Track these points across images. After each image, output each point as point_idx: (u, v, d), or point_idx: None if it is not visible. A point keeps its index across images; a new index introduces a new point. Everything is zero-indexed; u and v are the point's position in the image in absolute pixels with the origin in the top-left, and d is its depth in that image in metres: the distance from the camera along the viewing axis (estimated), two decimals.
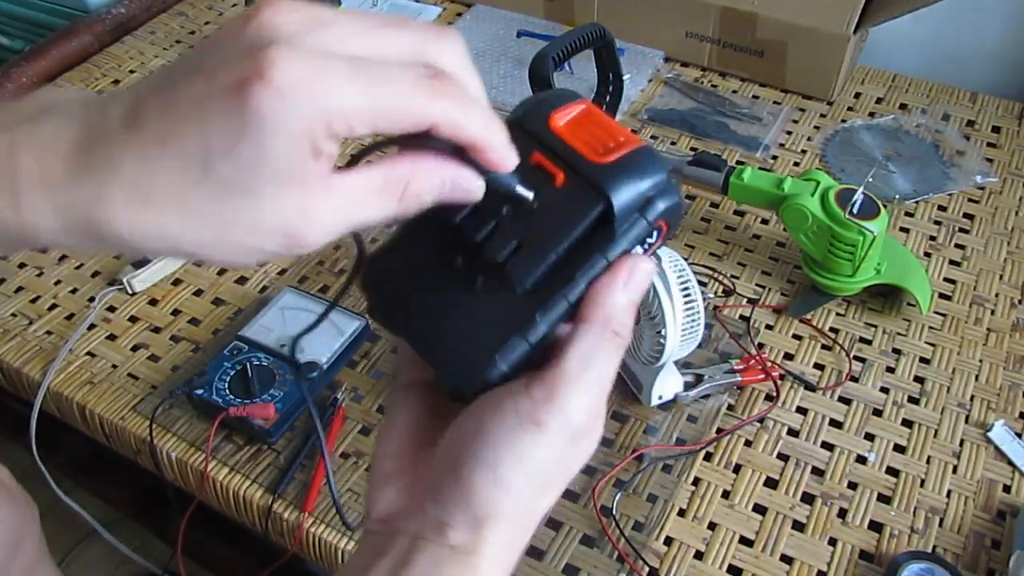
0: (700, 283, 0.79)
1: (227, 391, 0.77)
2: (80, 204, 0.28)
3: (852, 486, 0.73)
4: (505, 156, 0.31)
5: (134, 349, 0.86)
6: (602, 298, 0.33)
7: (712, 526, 0.71)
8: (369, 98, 0.28)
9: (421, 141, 0.30)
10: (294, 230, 0.29)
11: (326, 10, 0.29)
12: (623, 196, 0.32)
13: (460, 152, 0.31)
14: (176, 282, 0.92)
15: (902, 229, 0.96)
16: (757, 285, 0.89)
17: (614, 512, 0.71)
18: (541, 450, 0.32)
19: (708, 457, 0.75)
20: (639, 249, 0.33)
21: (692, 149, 1.06)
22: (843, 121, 1.10)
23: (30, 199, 0.28)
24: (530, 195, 0.32)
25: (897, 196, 0.98)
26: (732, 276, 0.90)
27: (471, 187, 0.32)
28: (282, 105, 0.27)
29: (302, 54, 0.27)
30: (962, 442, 0.76)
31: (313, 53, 0.28)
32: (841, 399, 0.79)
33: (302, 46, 0.28)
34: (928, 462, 0.75)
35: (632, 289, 0.33)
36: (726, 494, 0.73)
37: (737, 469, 0.74)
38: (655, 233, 0.34)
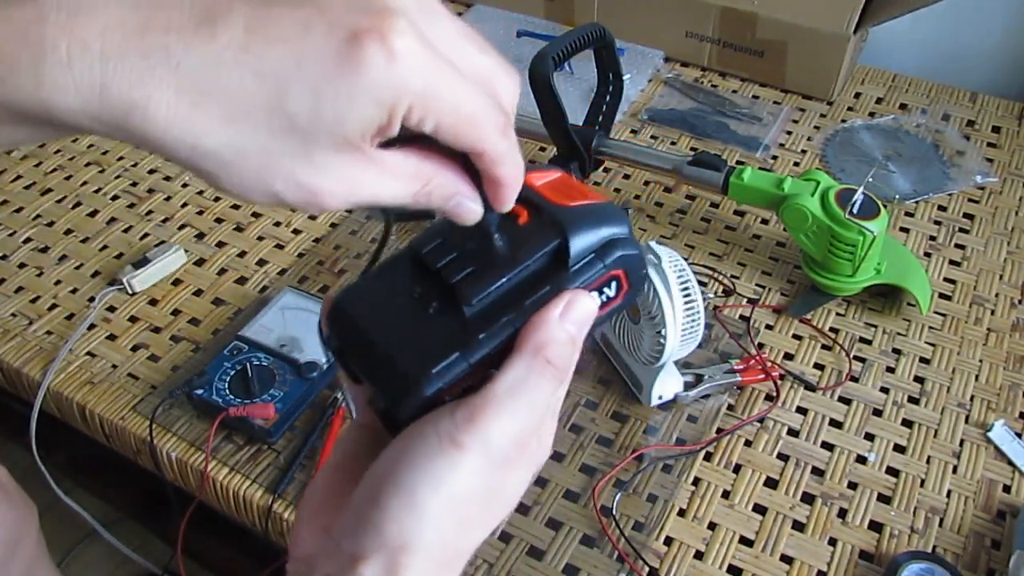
0: (700, 283, 0.79)
1: (227, 391, 0.77)
2: (117, 87, 0.27)
3: (852, 486, 0.73)
4: (511, 200, 0.33)
5: (134, 349, 0.86)
6: (535, 325, 0.32)
7: (712, 526, 0.71)
8: (456, 103, 0.29)
9: (452, 152, 0.31)
10: (325, 191, 0.29)
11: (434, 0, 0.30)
12: (580, 234, 0.33)
13: (476, 177, 0.32)
14: (176, 282, 0.92)
15: (902, 229, 0.96)
16: (757, 285, 0.89)
17: (614, 512, 0.71)
18: (460, 474, 0.31)
19: (708, 457, 0.75)
20: (595, 295, 0.33)
21: (692, 149, 1.06)
22: (843, 121, 1.10)
23: (53, 74, 0.26)
24: (492, 225, 0.33)
25: (897, 196, 0.98)
26: (732, 276, 0.90)
27: (472, 212, 0.32)
28: (390, 70, 0.27)
29: (419, 32, 0.28)
30: (962, 442, 0.76)
31: (425, 36, 0.28)
32: (841, 399, 0.79)
33: (418, 24, 0.28)
34: (928, 462, 0.75)
35: (570, 321, 0.32)
36: (726, 494, 0.73)
37: (737, 469, 0.74)
38: (613, 284, 0.34)
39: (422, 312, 0.33)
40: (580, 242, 0.33)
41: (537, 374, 0.32)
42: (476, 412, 0.31)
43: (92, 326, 0.88)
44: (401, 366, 0.32)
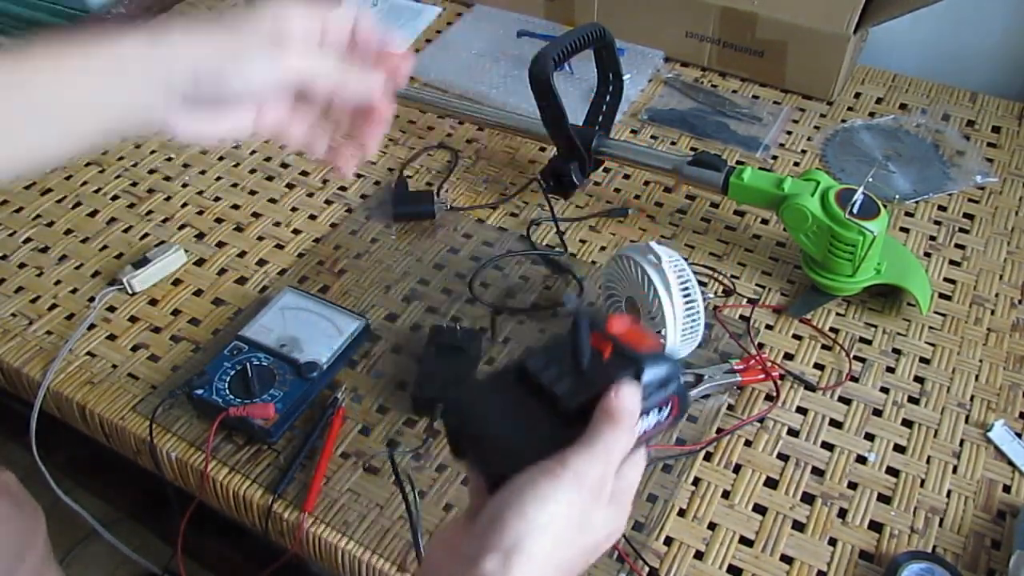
0: (700, 283, 0.79)
1: (227, 391, 0.77)
2: None
3: (852, 486, 0.73)
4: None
5: (134, 349, 0.86)
6: (605, 400, 0.43)
7: (712, 526, 0.71)
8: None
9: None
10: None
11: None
12: (650, 369, 0.45)
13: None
14: (176, 282, 0.92)
15: (902, 229, 0.96)
16: (757, 285, 0.89)
17: None
18: (560, 495, 0.40)
19: (708, 457, 0.75)
20: (655, 412, 0.46)
21: (692, 149, 1.06)
22: (843, 121, 1.10)
23: None
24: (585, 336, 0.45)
25: (897, 196, 0.98)
26: (732, 276, 0.90)
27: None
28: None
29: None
30: (962, 442, 0.76)
31: None
32: (841, 399, 0.79)
33: None
34: (928, 462, 0.75)
35: (624, 396, 0.43)
36: (726, 494, 0.73)
37: (737, 469, 0.74)
38: (668, 406, 0.46)
39: (532, 413, 0.44)
40: (649, 375, 0.44)
41: (609, 428, 0.42)
42: (568, 455, 0.41)
43: (92, 326, 0.88)
44: (519, 451, 0.43)
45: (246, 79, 0.47)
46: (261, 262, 0.94)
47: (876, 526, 0.71)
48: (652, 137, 1.08)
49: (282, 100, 0.52)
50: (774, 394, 0.79)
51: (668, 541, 0.70)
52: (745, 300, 0.88)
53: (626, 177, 1.03)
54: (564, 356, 0.45)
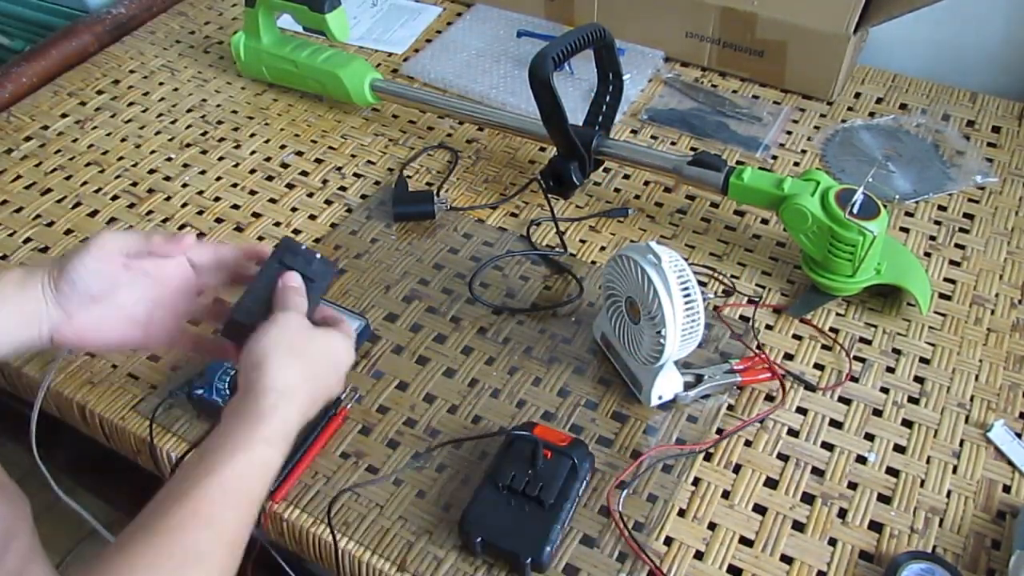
0: (700, 283, 0.79)
1: (227, 391, 0.77)
2: None
3: (852, 486, 0.73)
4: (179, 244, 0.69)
5: (134, 349, 0.86)
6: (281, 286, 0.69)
7: (712, 526, 0.71)
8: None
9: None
10: None
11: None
12: (579, 457, 0.71)
13: None
14: None
15: (902, 229, 0.96)
16: (757, 285, 0.89)
17: (620, 510, 0.71)
18: (274, 328, 0.62)
19: (708, 457, 0.75)
20: (586, 480, 0.72)
21: (692, 149, 1.06)
22: (843, 121, 1.10)
23: None
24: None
25: (897, 196, 0.98)
26: (732, 276, 0.90)
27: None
28: None
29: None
30: (962, 442, 0.76)
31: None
32: (841, 399, 0.79)
33: None
34: (928, 462, 0.75)
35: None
36: (726, 494, 0.73)
37: (737, 469, 0.74)
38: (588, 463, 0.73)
39: (522, 509, 0.68)
40: (580, 462, 0.71)
41: (289, 294, 0.67)
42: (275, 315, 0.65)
43: None
44: (530, 540, 0.67)
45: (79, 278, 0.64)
46: (261, 262, 0.94)
47: (876, 526, 0.71)
48: (652, 137, 1.08)
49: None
50: (774, 394, 0.79)
51: (668, 541, 0.70)
52: (745, 300, 0.88)
53: (626, 177, 1.03)
54: (526, 463, 0.70)
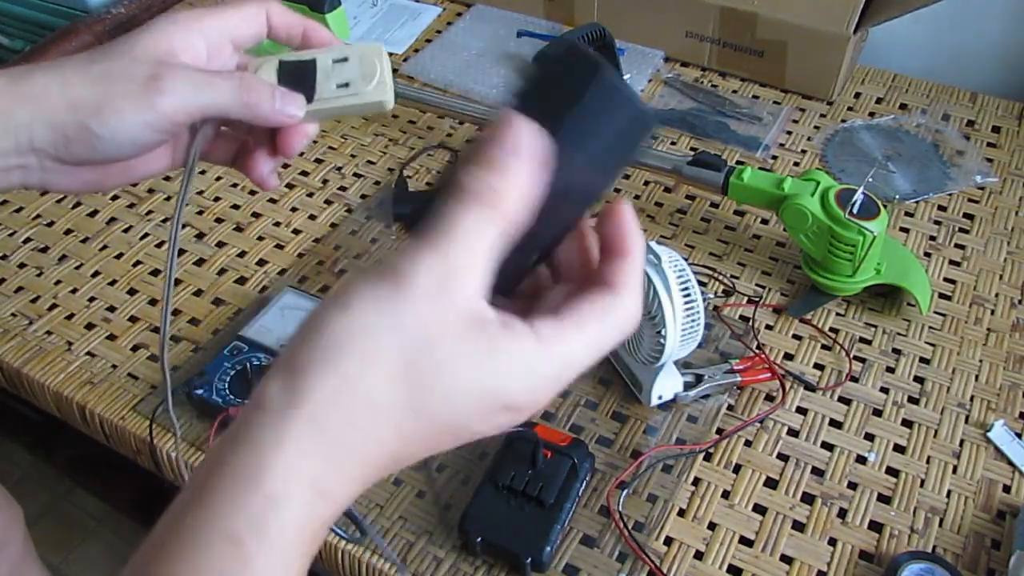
0: (700, 283, 0.79)
1: (227, 391, 0.77)
2: None
3: (852, 486, 0.73)
4: (323, 34, 0.48)
5: (134, 349, 0.86)
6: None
7: (712, 526, 0.71)
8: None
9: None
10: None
11: None
12: (579, 457, 0.71)
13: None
14: (176, 282, 0.92)
15: (902, 229, 0.96)
16: (757, 285, 0.89)
17: (620, 510, 0.71)
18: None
19: (708, 457, 0.75)
20: (586, 480, 0.72)
21: (692, 149, 1.06)
22: (843, 121, 1.10)
23: None
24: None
25: (897, 196, 0.98)
26: (732, 276, 0.90)
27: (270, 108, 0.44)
28: None
29: None
30: (962, 442, 0.76)
31: None
32: (841, 399, 0.79)
33: None
34: (928, 462, 0.75)
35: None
36: (726, 494, 0.73)
37: (737, 469, 0.74)
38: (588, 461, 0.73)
39: (521, 510, 0.68)
40: (580, 462, 0.71)
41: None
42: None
43: (92, 326, 0.88)
44: (532, 536, 0.67)
45: (113, 138, 0.41)
46: (261, 262, 0.94)
47: (876, 526, 0.71)
48: (652, 137, 1.08)
49: (181, 135, 0.47)
50: (774, 394, 0.79)
51: (668, 541, 0.70)
52: (745, 300, 0.88)
53: (626, 177, 1.03)
54: (527, 464, 0.70)
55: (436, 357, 0.29)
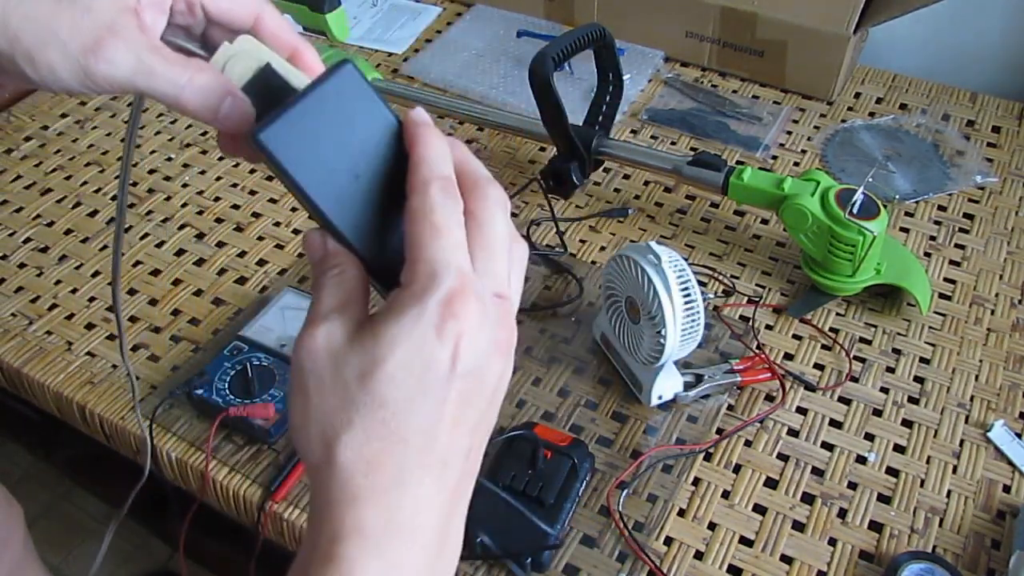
0: (700, 283, 0.79)
1: (227, 391, 0.77)
2: None
3: (852, 486, 0.73)
4: (307, 51, 0.41)
5: (134, 349, 0.86)
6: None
7: (712, 526, 0.71)
8: None
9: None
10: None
11: None
12: (579, 457, 0.71)
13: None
14: (176, 282, 0.92)
15: (902, 229, 0.96)
16: (757, 285, 0.89)
17: (620, 510, 0.71)
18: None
19: (708, 457, 0.75)
20: (586, 480, 0.72)
21: (692, 149, 1.06)
22: (843, 121, 1.10)
23: None
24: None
25: (897, 196, 0.98)
26: (732, 276, 0.90)
27: (235, 110, 0.38)
28: None
29: None
30: (962, 442, 0.76)
31: None
32: (841, 399, 0.79)
33: None
34: (928, 462, 0.75)
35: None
36: (726, 494, 0.73)
37: (737, 469, 0.74)
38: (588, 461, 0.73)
39: (522, 508, 0.68)
40: (579, 462, 0.71)
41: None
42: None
43: (92, 326, 0.88)
44: (533, 536, 0.67)
45: (41, 82, 0.38)
46: (261, 262, 0.94)
47: (876, 526, 0.71)
48: (652, 137, 1.08)
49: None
50: (774, 394, 0.79)
51: (668, 541, 0.70)
52: (745, 300, 0.88)
53: (626, 177, 1.03)
54: (528, 464, 0.70)
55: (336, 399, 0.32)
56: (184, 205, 1.01)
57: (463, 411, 0.32)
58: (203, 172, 1.06)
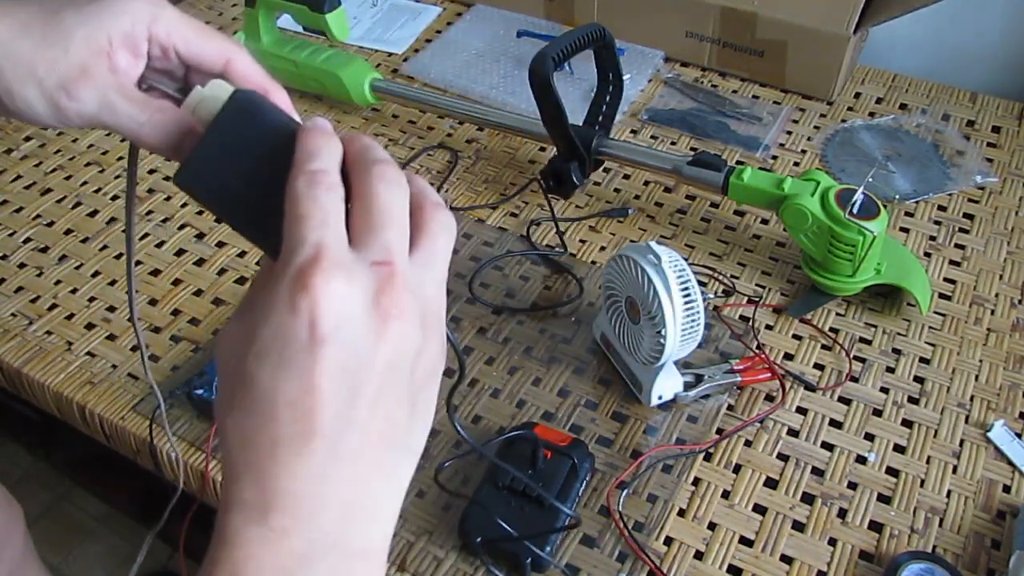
0: (700, 283, 0.79)
1: None
2: None
3: (852, 486, 0.73)
4: (265, 81, 0.45)
5: (134, 349, 0.86)
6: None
7: (712, 526, 0.71)
8: (193, 21, 0.44)
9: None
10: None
11: None
12: (579, 457, 0.71)
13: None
14: (176, 282, 0.92)
15: (902, 229, 0.96)
16: (757, 285, 0.89)
17: (620, 510, 0.71)
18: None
19: (708, 457, 0.75)
20: (586, 480, 0.72)
21: (692, 149, 1.06)
22: (843, 121, 1.10)
23: None
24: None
25: (897, 196, 0.98)
26: (732, 276, 0.90)
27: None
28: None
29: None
30: (962, 442, 0.76)
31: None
32: (841, 399, 0.79)
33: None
34: (928, 462, 0.75)
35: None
36: (726, 494, 0.73)
37: (737, 469, 0.74)
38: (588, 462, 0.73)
39: (521, 509, 0.68)
40: (579, 461, 0.71)
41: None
42: None
43: (92, 325, 0.88)
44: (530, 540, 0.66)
45: (15, 113, 0.42)
46: (261, 262, 0.94)
47: (876, 526, 0.71)
48: (652, 137, 1.08)
49: None
50: (774, 394, 0.79)
51: (668, 541, 0.70)
52: (745, 300, 0.88)
53: (626, 177, 1.03)
54: (526, 461, 0.70)
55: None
56: (184, 205, 1.01)
57: (345, 378, 0.32)
58: None
